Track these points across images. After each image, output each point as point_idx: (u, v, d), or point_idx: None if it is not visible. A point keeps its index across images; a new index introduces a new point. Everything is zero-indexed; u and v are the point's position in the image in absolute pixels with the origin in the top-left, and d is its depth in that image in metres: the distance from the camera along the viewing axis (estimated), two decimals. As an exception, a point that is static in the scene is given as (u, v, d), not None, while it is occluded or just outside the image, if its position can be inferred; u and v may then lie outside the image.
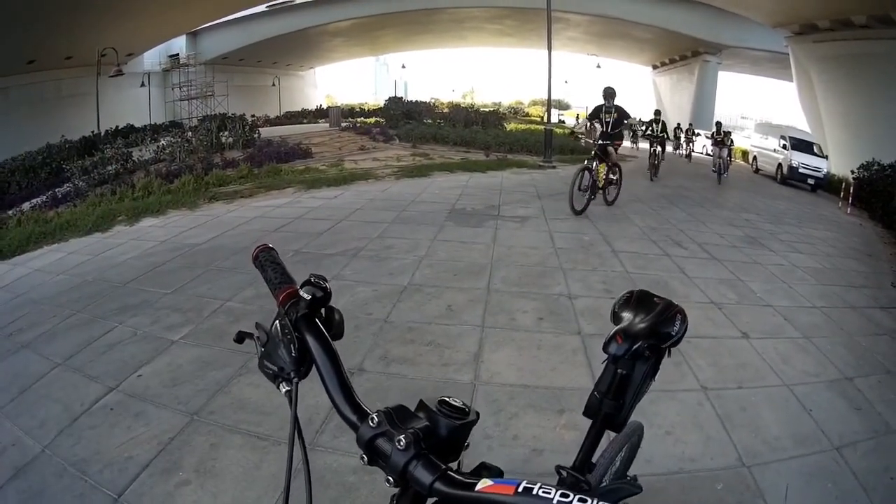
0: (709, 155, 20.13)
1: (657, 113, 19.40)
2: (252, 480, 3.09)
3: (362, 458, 0.92)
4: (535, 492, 0.75)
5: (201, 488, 3.06)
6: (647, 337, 1.55)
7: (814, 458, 3.44)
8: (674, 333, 1.58)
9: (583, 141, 21.54)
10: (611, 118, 10.39)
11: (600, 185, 10.34)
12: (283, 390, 1.05)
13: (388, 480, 0.89)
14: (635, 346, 1.53)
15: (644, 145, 23.11)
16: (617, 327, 1.60)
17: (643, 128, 26.18)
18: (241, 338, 1.19)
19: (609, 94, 10.50)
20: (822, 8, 20.39)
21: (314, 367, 1.06)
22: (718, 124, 19.88)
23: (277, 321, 1.10)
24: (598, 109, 10.75)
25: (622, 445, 1.88)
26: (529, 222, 9.29)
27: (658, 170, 17.12)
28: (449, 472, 0.86)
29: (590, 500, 0.72)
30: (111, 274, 6.91)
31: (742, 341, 5.10)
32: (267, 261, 1.25)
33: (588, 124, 11.59)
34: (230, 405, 3.87)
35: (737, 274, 7.17)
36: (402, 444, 0.87)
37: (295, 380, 1.05)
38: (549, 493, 0.74)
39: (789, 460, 3.39)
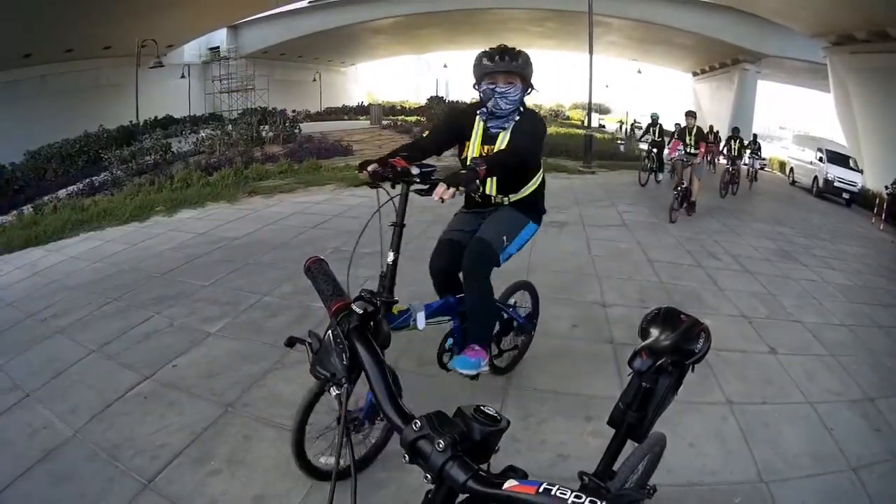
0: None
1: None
2: (283, 473, 3.16)
3: (404, 456, 1.02)
4: (553, 492, 0.86)
5: (232, 477, 3.17)
6: (670, 353, 1.63)
7: (831, 478, 3.45)
8: (697, 351, 1.66)
9: (622, 147, 21.06)
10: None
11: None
12: (335, 394, 1.14)
13: (425, 477, 0.99)
14: (659, 362, 1.61)
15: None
16: (643, 343, 1.68)
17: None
18: (291, 342, 1.29)
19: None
20: (858, 19, 20.05)
21: (363, 374, 1.15)
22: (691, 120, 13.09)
23: (330, 331, 1.19)
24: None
25: (644, 455, 1.94)
26: (567, 228, 9.30)
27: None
28: (480, 471, 0.96)
29: (599, 503, 0.81)
30: (148, 264, 7.08)
31: (769, 356, 5.09)
32: (319, 272, 1.35)
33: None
34: (265, 399, 3.96)
35: (768, 287, 7.15)
36: (441, 446, 0.97)
37: (346, 385, 1.14)
38: (566, 495, 0.85)
39: (807, 478, 3.41)
